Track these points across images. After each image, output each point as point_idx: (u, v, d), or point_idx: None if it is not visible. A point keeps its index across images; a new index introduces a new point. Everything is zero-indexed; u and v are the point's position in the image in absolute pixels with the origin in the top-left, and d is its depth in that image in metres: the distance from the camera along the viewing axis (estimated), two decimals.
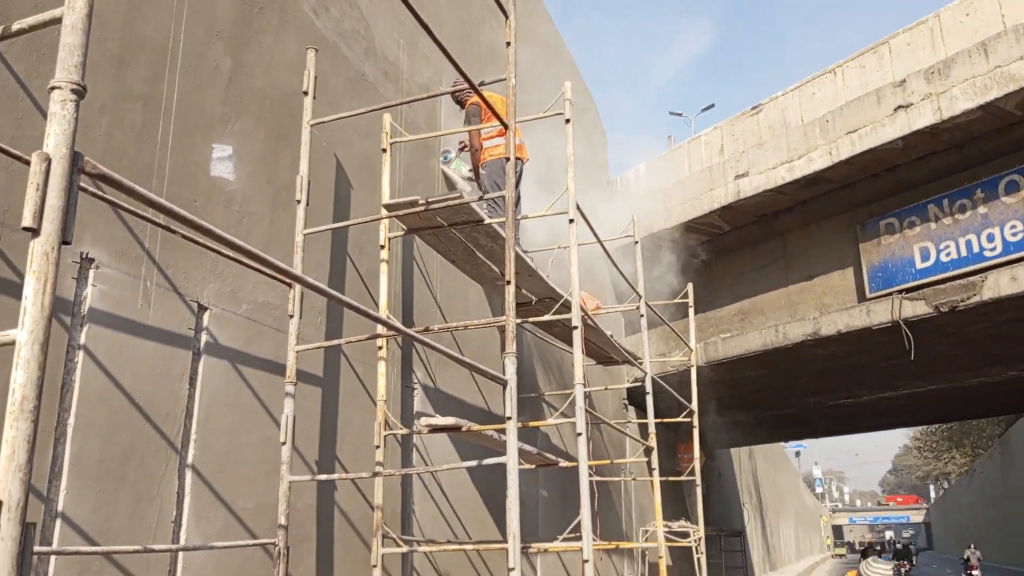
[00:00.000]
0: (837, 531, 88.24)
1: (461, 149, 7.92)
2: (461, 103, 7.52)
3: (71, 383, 3.54)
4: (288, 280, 4.78)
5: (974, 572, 30.07)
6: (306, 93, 5.25)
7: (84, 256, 3.69)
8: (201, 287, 4.40)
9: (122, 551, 3.49)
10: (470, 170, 8.06)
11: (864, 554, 11.45)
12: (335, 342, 5.15)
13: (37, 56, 3.58)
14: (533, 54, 11.24)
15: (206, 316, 4.41)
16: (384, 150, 6.18)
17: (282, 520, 4.45)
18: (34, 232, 1.79)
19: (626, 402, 13.12)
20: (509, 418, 4.32)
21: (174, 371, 4.14)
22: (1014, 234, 10.53)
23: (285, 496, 4.51)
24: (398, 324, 3.64)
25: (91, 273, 3.70)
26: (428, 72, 7.60)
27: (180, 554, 4.01)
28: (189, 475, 4.16)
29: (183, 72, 4.45)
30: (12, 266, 3.38)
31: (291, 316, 4.82)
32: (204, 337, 4.38)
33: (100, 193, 3.63)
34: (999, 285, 10.35)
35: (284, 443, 4.57)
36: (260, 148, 5.06)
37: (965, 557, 32.36)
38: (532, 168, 7.62)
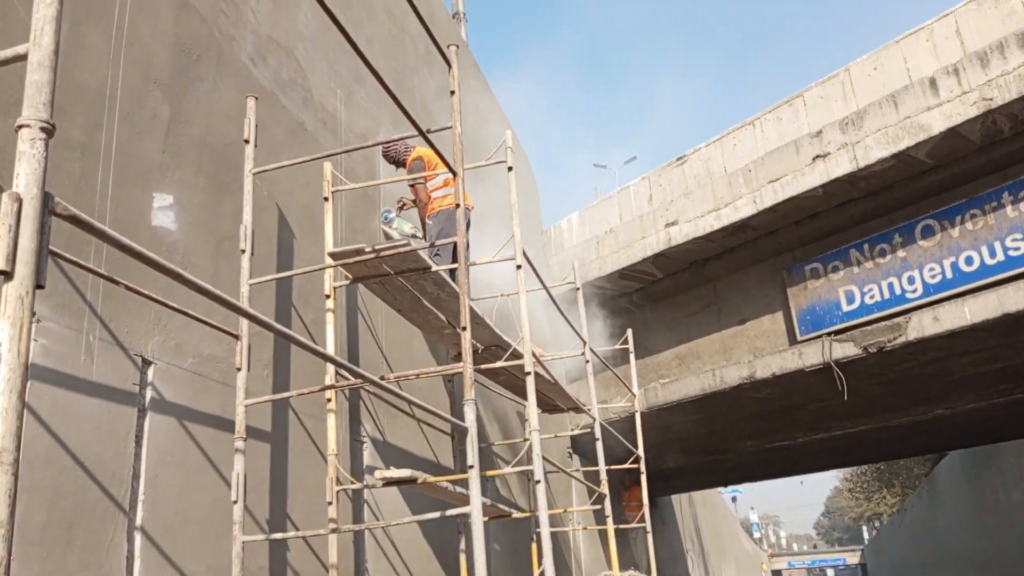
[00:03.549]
0: (777, 575, 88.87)
1: (401, 207, 7.85)
2: (399, 162, 7.51)
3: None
4: (236, 333, 4.65)
5: None
6: (247, 141, 5.18)
7: None
8: (145, 340, 4.23)
9: None
10: (412, 227, 8.03)
11: None
12: (284, 395, 4.99)
13: None
14: (466, 105, 11.40)
15: (151, 371, 4.23)
16: (326, 199, 6.12)
17: None
18: (7, 276, 1.69)
19: (570, 450, 13.07)
20: (471, 467, 4.23)
21: (119, 429, 3.93)
22: (932, 276, 10.99)
23: (239, 557, 4.30)
24: (360, 370, 3.56)
25: (32, 327, 3.51)
26: (365, 123, 7.61)
27: None
28: (139, 538, 3.93)
29: (121, 120, 4.34)
30: None
31: (238, 369, 4.66)
32: (149, 393, 4.20)
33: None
34: (922, 325, 10.75)
35: (236, 502, 4.37)
36: (201, 197, 4.95)
37: None
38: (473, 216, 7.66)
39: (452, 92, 5.05)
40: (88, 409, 3.75)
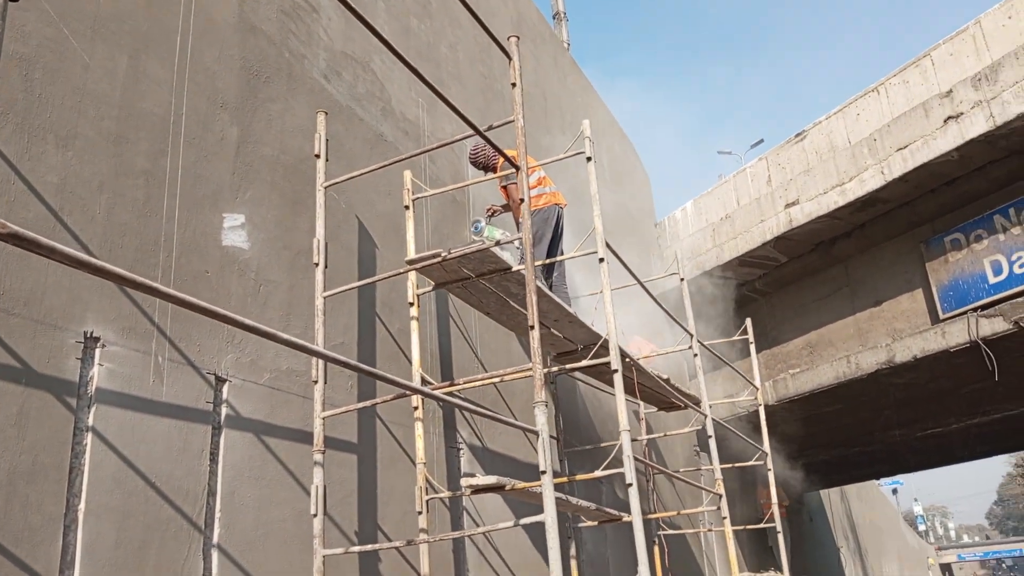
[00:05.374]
0: (946, 570, 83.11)
1: (491, 215, 7.73)
2: (488, 167, 7.39)
3: (80, 467, 3.43)
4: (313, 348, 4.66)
5: None
6: (318, 156, 5.20)
7: (88, 335, 3.62)
8: (218, 359, 4.30)
9: None
10: (503, 233, 7.89)
11: None
12: (361, 404, 4.97)
13: (28, 138, 3.58)
14: (563, 104, 11.20)
15: (225, 388, 4.30)
16: (407, 207, 6.10)
17: None
18: None
19: (697, 448, 12.58)
20: (543, 472, 4.05)
21: (193, 447, 4.01)
22: None
23: (320, 572, 4.30)
24: (401, 380, 3.45)
25: (97, 352, 3.63)
26: (451, 128, 7.55)
27: None
28: (216, 555, 3.98)
29: (187, 145, 4.44)
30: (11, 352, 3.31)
31: (315, 382, 4.67)
32: (224, 410, 4.26)
33: (103, 265, 3.55)
34: None
35: (315, 515, 4.37)
36: (275, 215, 5.01)
37: None
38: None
39: (513, 84, 4.87)
40: (159, 429, 3.83)
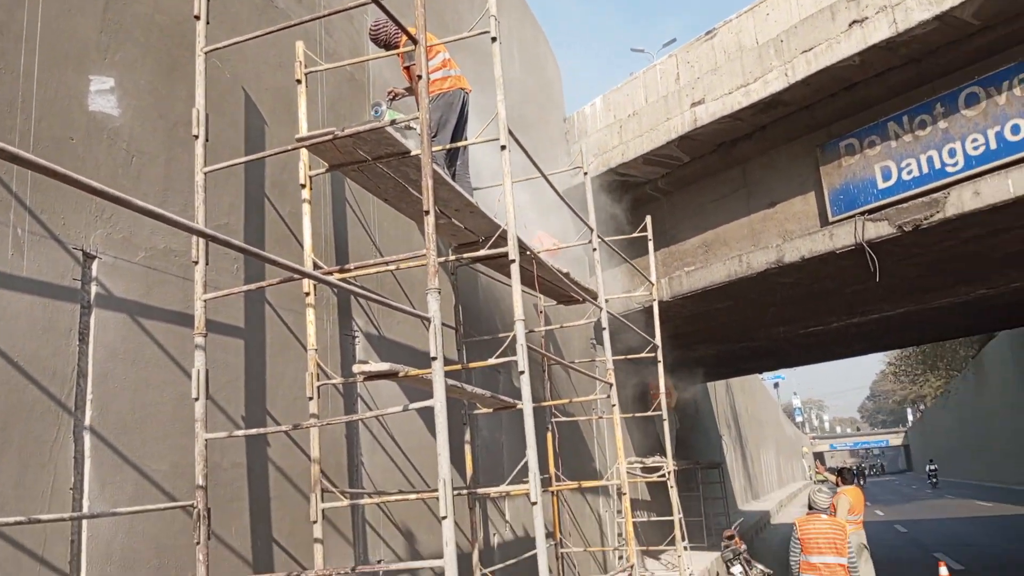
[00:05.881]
0: (819, 458, 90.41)
1: (392, 98, 7.38)
2: (389, 45, 7.01)
3: None
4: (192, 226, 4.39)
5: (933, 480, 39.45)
6: (197, 17, 4.77)
7: None
8: (86, 234, 4.00)
9: (3, 523, 3.14)
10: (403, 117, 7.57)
11: (842, 475, 11.78)
12: (246, 288, 4.77)
13: None
14: None
15: (95, 265, 4.02)
16: (299, 81, 5.74)
17: (200, 480, 4.13)
18: None
19: (593, 341, 12.90)
20: (435, 358, 4.00)
21: (59, 326, 3.76)
22: (975, 148, 10.30)
23: (202, 455, 4.18)
24: (296, 266, 3.29)
25: None
26: None
27: (84, 523, 3.68)
28: (88, 438, 3.81)
29: None
30: None
31: (195, 263, 4.43)
32: (94, 288, 3.99)
33: None
34: (962, 200, 10.16)
35: (196, 399, 4.22)
36: (149, 80, 4.61)
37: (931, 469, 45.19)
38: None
39: None
40: (19, 306, 3.56)
